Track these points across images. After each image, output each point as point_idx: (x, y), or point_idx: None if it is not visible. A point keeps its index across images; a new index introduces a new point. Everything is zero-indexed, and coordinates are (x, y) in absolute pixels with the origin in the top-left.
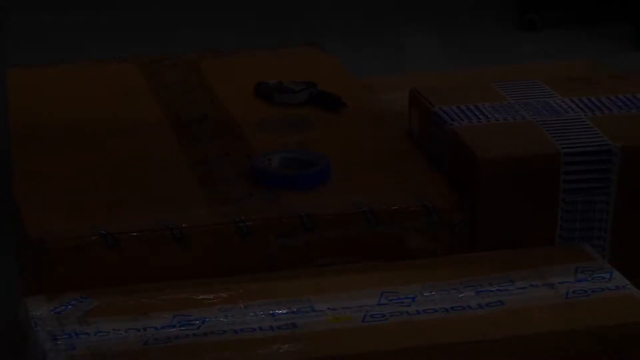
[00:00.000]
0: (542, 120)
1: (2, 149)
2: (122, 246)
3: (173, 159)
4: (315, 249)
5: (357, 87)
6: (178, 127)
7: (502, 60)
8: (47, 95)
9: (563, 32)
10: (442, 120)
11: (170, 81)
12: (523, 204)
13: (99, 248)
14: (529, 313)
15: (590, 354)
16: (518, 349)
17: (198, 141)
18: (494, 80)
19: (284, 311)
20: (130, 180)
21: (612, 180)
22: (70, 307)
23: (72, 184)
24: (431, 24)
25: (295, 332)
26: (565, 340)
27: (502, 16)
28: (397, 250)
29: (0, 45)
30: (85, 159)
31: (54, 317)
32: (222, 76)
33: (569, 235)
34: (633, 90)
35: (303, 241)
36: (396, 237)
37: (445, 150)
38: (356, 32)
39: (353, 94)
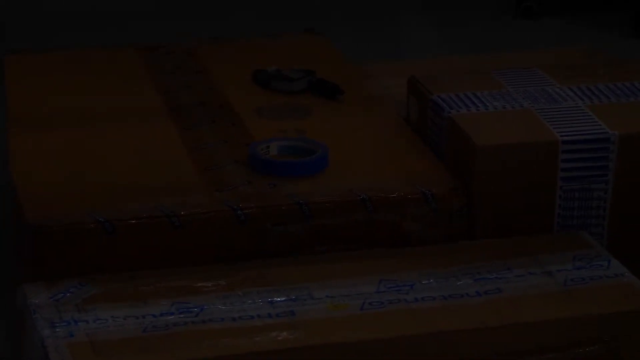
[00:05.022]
0: (540, 108)
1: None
2: (120, 233)
3: (171, 145)
4: (314, 237)
5: (355, 74)
6: (176, 114)
7: (500, 48)
8: (45, 81)
9: (560, 20)
10: (440, 108)
11: (169, 68)
12: (521, 191)
13: (97, 234)
14: (527, 301)
15: (588, 341)
16: (516, 336)
17: (196, 128)
18: (492, 68)
19: (282, 299)
20: (128, 167)
21: (610, 168)
22: (68, 294)
23: (71, 170)
24: (429, 11)
25: (293, 320)
26: (563, 328)
27: (499, 4)
28: (395, 237)
29: None
30: (83, 145)
31: (53, 304)
32: (220, 63)
33: (567, 223)
34: (631, 77)
35: (301, 229)
36: (394, 225)
37: (444, 138)
38: (355, 19)
39: (351, 81)
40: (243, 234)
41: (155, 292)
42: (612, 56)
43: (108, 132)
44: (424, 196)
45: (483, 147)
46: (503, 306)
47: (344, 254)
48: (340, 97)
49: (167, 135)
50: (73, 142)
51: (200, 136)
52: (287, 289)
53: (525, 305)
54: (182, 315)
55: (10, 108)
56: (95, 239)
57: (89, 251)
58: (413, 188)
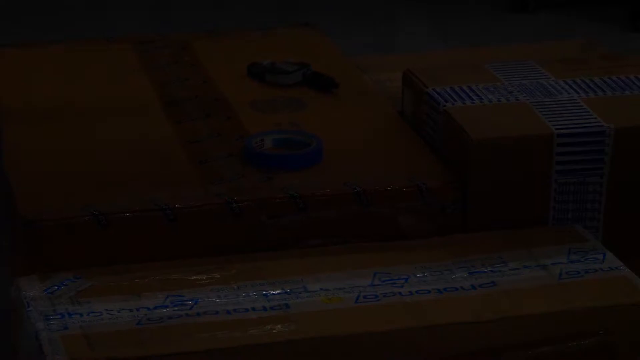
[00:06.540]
0: (536, 101)
1: None
2: (115, 226)
3: (165, 139)
4: (308, 230)
5: (350, 68)
6: (170, 107)
7: (495, 42)
8: (38, 75)
9: (556, 14)
10: (435, 101)
11: (163, 61)
12: (516, 185)
13: (91, 228)
14: (522, 294)
15: (583, 334)
16: (511, 330)
17: (190, 121)
18: (487, 61)
19: (277, 292)
20: (122, 160)
21: (605, 161)
22: (62, 287)
23: (65, 163)
24: (424, 5)
25: (288, 313)
26: (558, 321)
27: None
28: (389, 230)
29: None
30: (77, 138)
31: (47, 297)
32: (215, 56)
33: (561, 217)
34: (627, 71)
35: (296, 222)
36: (389, 218)
37: (439, 131)
38: (349, 13)
39: (346, 75)
40: (237, 227)
41: (149, 285)
42: (609, 50)
43: (102, 125)
44: (419, 189)
45: (478, 140)
46: (498, 299)
47: (339, 247)
48: (335, 90)
49: (162, 128)
50: (67, 135)
51: (195, 130)
52: (282, 281)
53: (520, 298)
54: (176, 308)
55: (2, 102)
56: (89, 232)
57: (83, 245)
58: (407, 181)
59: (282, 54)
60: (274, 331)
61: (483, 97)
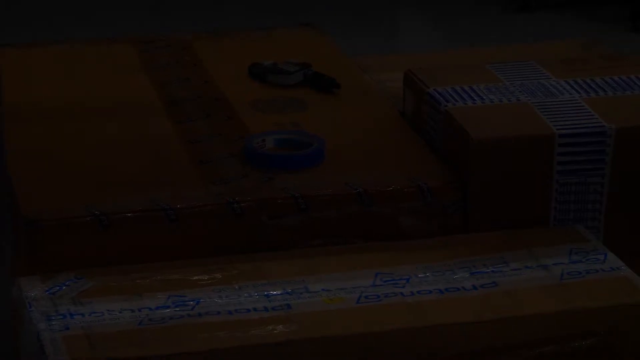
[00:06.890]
0: (537, 101)
1: None
2: (116, 226)
3: (167, 139)
4: (309, 230)
5: (351, 68)
6: (171, 107)
7: (495, 42)
8: (40, 75)
9: (556, 14)
10: (436, 101)
11: (164, 61)
12: (517, 185)
13: (92, 228)
14: (523, 294)
15: (584, 335)
16: (512, 330)
17: (192, 122)
18: (488, 61)
19: (279, 292)
20: (123, 160)
21: (607, 161)
22: (64, 287)
23: (66, 163)
24: (425, 5)
25: (289, 313)
26: (559, 321)
27: None
28: (391, 231)
29: None
30: (79, 138)
31: (48, 297)
32: (216, 57)
33: (563, 217)
34: (628, 71)
35: (297, 222)
36: (390, 218)
37: (440, 131)
38: (351, 13)
39: (348, 75)
40: (239, 227)
41: (151, 285)
42: (610, 50)
43: (103, 125)
44: (420, 189)
45: (479, 140)
46: (499, 300)
47: (340, 248)
48: (337, 90)
49: (163, 128)
50: (68, 135)
51: (196, 130)
52: (283, 282)
53: (521, 298)
54: (178, 309)
55: (5, 101)
56: (90, 232)
57: (84, 245)
58: (409, 181)
59: (283, 54)
60: (275, 331)
61: (484, 97)
